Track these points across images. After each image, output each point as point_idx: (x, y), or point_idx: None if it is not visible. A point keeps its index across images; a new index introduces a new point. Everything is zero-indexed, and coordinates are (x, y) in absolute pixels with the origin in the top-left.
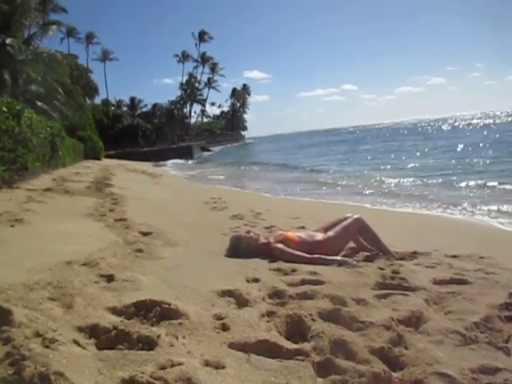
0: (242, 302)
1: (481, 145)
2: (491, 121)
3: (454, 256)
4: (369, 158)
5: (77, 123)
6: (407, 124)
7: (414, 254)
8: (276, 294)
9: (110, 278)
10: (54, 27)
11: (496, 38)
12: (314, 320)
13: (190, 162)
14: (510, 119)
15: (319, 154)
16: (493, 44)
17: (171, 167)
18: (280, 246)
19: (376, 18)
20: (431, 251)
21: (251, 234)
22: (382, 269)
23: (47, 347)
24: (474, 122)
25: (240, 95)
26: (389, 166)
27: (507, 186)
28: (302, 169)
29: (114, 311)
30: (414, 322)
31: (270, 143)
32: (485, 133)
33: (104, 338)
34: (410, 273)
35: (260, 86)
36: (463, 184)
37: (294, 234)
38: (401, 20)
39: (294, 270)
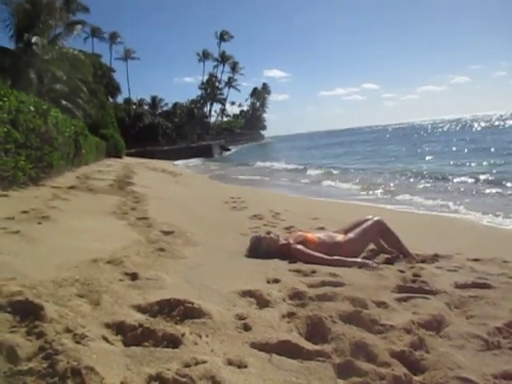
0: (262, 302)
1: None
2: None
3: (476, 259)
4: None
5: (99, 121)
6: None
7: (435, 257)
8: (296, 295)
9: (134, 276)
10: (79, 27)
11: None
12: (334, 322)
13: (209, 161)
14: None
15: (337, 154)
16: None
17: (191, 166)
18: (300, 247)
19: (398, 18)
20: (453, 254)
21: (271, 235)
22: (402, 271)
23: (78, 343)
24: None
25: (260, 94)
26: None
27: None
28: (319, 168)
29: (139, 309)
30: (435, 325)
31: (289, 142)
32: None
33: (130, 335)
34: (432, 276)
35: (280, 84)
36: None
37: (313, 235)
38: (423, 19)
39: (313, 272)
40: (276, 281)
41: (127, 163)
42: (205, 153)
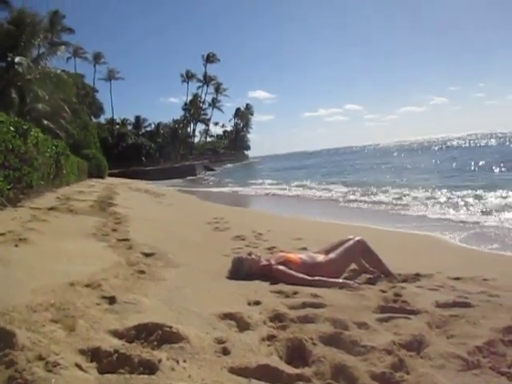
0: (243, 325)
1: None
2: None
3: (457, 278)
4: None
5: (82, 141)
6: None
7: (416, 276)
8: (277, 317)
9: (112, 300)
10: (63, 48)
11: (495, 59)
12: (315, 344)
13: (192, 181)
14: None
15: (314, 174)
16: (493, 65)
17: (174, 186)
18: (281, 268)
19: (378, 38)
20: (434, 273)
21: (253, 256)
22: (383, 291)
23: (50, 371)
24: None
25: (243, 115)
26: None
27: None
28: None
29: (116, 334)
30: (416, 346)
31: (273, 162)
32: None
33: (105, 362)
34: (413, 296)
35: (265, 105)
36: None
37: (295, 256)
38: (403, 40)
39: (295, 293)
40: (257, 303)
41: (109, 184)
42: (188, 173)
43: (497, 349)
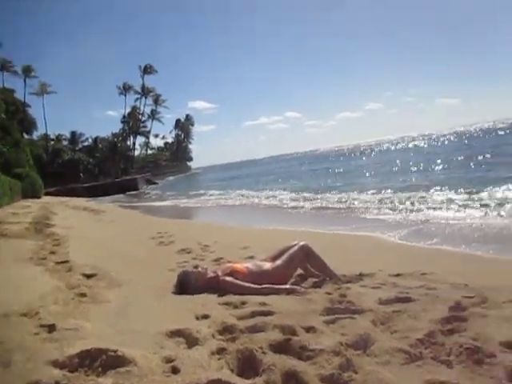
0: (191, 341)
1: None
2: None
3: (398, 275)
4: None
5: (14, 160)
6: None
7: (359, 276)
8: (226, 330)
9: (51, 328)
10: None
11: (426, 64)
12: (264, 353)
13: (134, 196)
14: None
15: (259, 181)
16: (421, 71)
17: (115, 202)
18: (228, 278)
19: (313, 45)
20: (376, 272)
21: (199, 269)
22: (329, 294)
23: None
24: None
25: (184, 126)
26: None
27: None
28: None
29: (57, 364)
30: (362, 344)
31: (217, 173)
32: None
33: None
34: (357, 295)
35: (206, 116)
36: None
37: (242, 266)
38: (337, 47)
39: (243, 303)
40: (205, 316)
41: (46, 203)
42: (130, 188)
43: (436, 339)
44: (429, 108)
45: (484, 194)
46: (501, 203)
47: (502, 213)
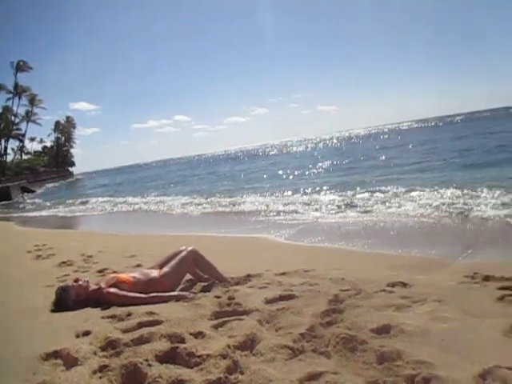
0: (70, 361)
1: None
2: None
3: (283, 273)
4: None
5: None
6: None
7: (247, 277)
8: (109, 345)
9: None
10: None
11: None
12: (150, 365)
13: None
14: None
15: (148, 187)
16: (306, 78)
17: None
18: (113, 290)
19: (204, 54)
20: (263, 272)
21: (80, 283)
22: (218, 297)
23: None
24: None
25: (64, 128)
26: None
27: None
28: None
29: None
30: (249, 344)
31: (103, 178)
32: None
33: None
34: (245, 296)
35: (89, 118)
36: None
37: (127, 275)
38: (224, 55)
39: (129, 314)
40: (86, 333)
41: None
42: (1, 197)
43: (316, 332)
44: (311, 114)
45: (361, 196)
46: (372, 204)
47: (373, 213)
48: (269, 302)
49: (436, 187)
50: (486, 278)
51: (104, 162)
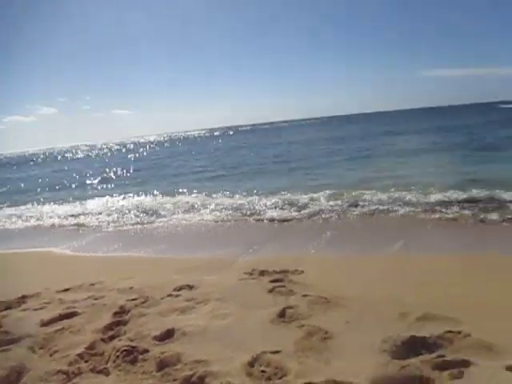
0: None
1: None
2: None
3: (66, 289)
4: None
5: None
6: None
7: (22, 299)
8: None
9: None
10: None
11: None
12: None
13: None
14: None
15: None
16: (98, 79)
17: None
18: None
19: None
20: (42, 290)
21: None
22: None
23: None
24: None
25: None
26: None
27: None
28: None
29: None
30: (15, 378)
31: None
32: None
33: None
34: (16, 321)
35: None
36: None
37: None
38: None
39: None
40: None
41: None
42: None
43: (97, 349)
44: (105, 118)
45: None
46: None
47: (166, 217)
48: (45, 324)
49: (228, 193)
50: (262, 273)
51: None
